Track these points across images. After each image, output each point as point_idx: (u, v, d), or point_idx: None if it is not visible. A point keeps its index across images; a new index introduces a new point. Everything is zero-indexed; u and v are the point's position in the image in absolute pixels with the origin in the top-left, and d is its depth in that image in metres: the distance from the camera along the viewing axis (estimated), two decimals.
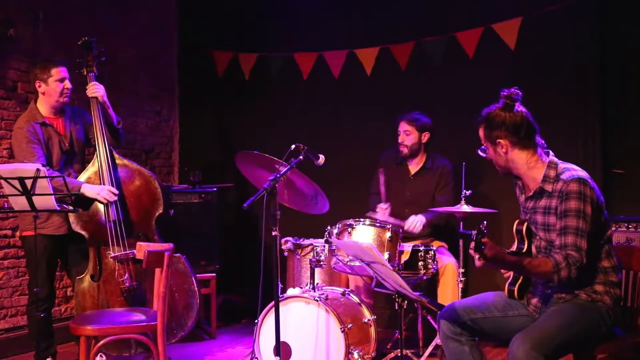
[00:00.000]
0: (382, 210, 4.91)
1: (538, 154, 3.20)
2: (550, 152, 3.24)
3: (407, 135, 5.08)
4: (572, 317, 3.02)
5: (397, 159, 5.21)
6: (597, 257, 3.11)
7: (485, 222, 2.94)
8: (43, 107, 4.52)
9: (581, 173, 3.11)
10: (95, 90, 4.62)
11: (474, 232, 2.88)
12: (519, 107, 3.18)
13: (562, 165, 3.18)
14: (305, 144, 4.07)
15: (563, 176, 3.10)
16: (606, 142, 5.09)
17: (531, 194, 3.21)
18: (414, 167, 5.19)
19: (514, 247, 3.30)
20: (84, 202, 4.47)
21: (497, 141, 3.19)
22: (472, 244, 2.88)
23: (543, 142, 3.24)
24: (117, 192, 4.51)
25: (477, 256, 2.89)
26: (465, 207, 4.38)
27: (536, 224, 3.20)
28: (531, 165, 3.19)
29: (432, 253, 4.49)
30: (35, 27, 5.37)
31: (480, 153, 3.34)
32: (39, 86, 4.48)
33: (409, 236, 4.88)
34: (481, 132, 3.27)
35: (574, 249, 2.99)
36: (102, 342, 3.74)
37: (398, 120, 5.13)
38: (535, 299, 3.22)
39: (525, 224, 3.26)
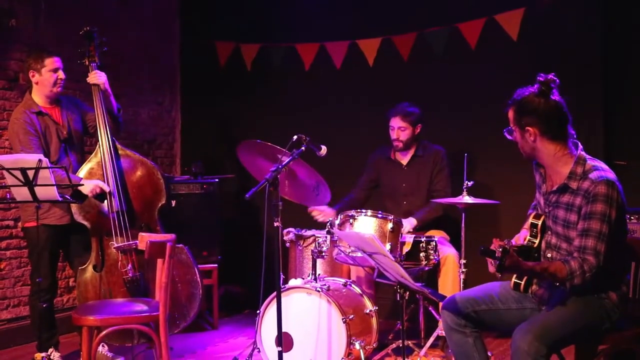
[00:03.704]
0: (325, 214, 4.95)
1: (568, 146, 3.09)
2: (580, 145, 3.13)
3: (403, 131, 5.01)
4: (576, 311, 3.00)
5: (386, 154, 5.20)
6: (611, 258, 3.00)
7: (510, 242, 2.93)
8: (38, 97, 4.51)
9: (610, 175, 3.01)
10: (97, 77, 4.61)
11: (498, 250, 2.86)
12: (555, 96, 3.06)
13: (591, 162, 3.06)
14: (307, 134, 4.07)
15: (591, 175, 2.99)
16: (608, 133, 5.08)
17: (554, 189, 3.12)
18: (406, 158, 5.15)
19: (523, 240, 3.26)
20: (82, 195, 4.46)
21: (526, 128, 3.07)
22: (496, 263, 2.87)
23: (574, 132, 3.13)
24: (107, 189, 4.48)
25: (495, 266, 2.88)
26: (466, 198, 4.38)
27: (556, 219, 3.12)
28: (558, 158, 3.09)
29: (434, 244, 4.49)
30: (36, 18, 5.37)
31: (506, 135, 3.21)
32: (33, 76, 4.47)
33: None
34: (510, 114, 3.15)
35: (593, 253, 2.93)
36: (104, 333, 3.75)
37: (390, 116, 5.05)
38: (541, 291, 3.19)
39: (542, 218, 3.19)
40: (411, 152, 5.13)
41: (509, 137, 3.22)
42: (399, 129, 5.03)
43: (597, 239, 2.94)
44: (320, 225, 4.64)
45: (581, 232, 2.98)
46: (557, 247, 3.13)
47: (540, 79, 3.08)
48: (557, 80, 3.08)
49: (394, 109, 5.06)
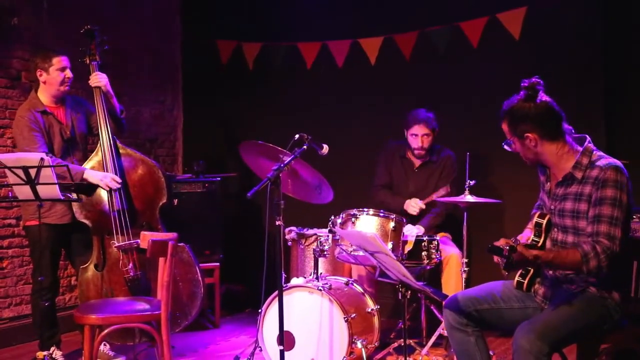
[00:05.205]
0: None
1: (568, 142, 3.11)
2: (587, 138, 3.15)
3: (427, 137, 4.95)
4: (578, 310, 3.00)
5: (401, 152, 5.17)
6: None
7: (517, 240, 2.94)
8: (44, 96, 4.52)
9: (618, 162, 3.03)
10: (99, 80, 4.62)
11: (506, 248, 2.85)
12: (542, 97, 3.07)
13: (598, 152, 3.09)
14: (309, 133, 4.06)
15: (599, 162, 3.02)
16: (609, 133, 5.07)
17: (560, 179, 3.12)
18: (418, 160, 5.14)
19: (527, 240, 3.25)
20: (87, 189, 4.47)
21: (525, 135, 3.07)
22: (503, 261, 2.87)
23: (571, 128, 3.14)
24: (120, 180, 4.51)
25: (502, 264, 2.89)
26: (469, 197, 4.37)
27: (563, 212, 3.11)
28: (561, 155, 3.10)
29: (436, 243, 4.49)
30: (38, 17, 5.37)
31: (506, 147, 3.21)
32: (40, 75, 4.48)
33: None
34: (505, 127, 3.16)
35: (607, 237, 2.92)
36: (106, 331, 3.74)
37: (412, 123, 4.95)
38: (544, 289, 3.19)
39: (547, 217, 3.19)
40: (426, 156, 5.09)
41: (508, 149, 3.22)
42: (424, 136, 4.95)
43: (609, 224, 2.93)
44: (322, 224, 4.64)
45: (593, 218, 2.98)
46: (564, 243, 3.12)
47: (524, 84, 3.09)
48: (541, 82, 3.08)
49: (415, 116, 4.97)
